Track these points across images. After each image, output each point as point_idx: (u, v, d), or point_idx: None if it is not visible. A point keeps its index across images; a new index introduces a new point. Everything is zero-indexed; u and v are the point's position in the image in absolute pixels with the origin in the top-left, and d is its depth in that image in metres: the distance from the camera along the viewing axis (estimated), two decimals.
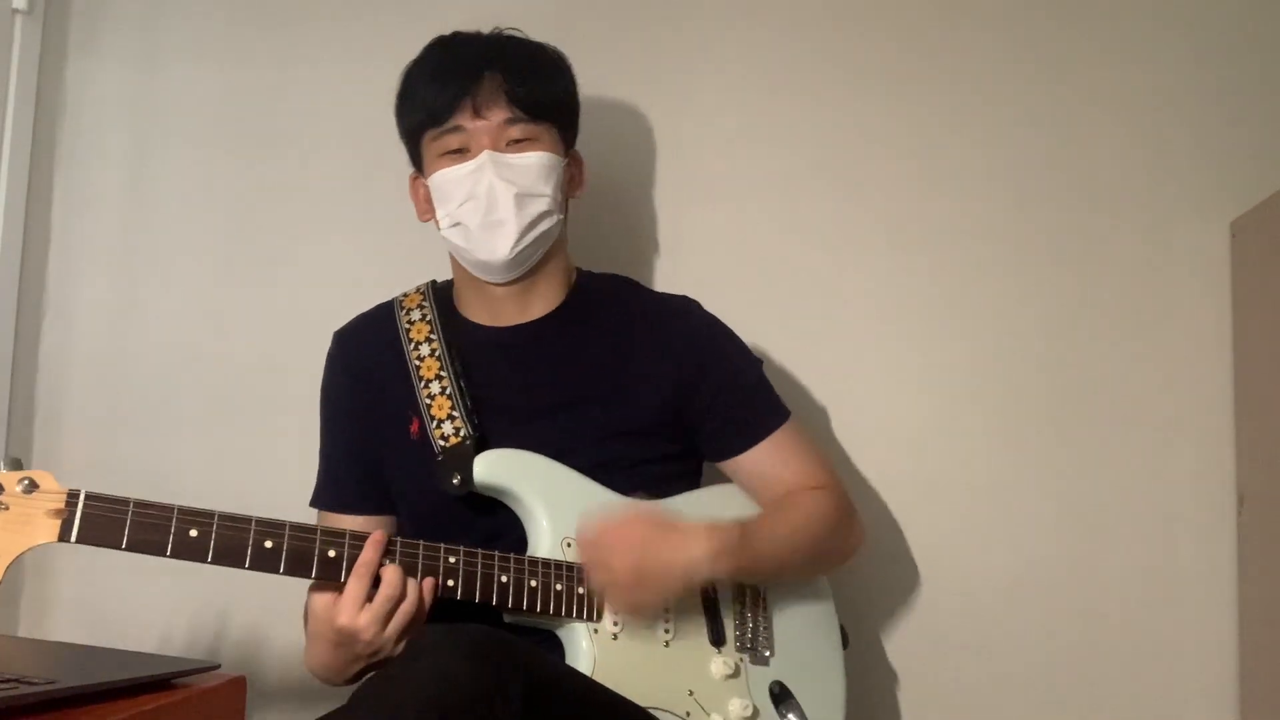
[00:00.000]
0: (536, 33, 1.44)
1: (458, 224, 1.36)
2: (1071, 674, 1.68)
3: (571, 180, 1.44)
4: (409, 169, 1.75)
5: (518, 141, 1.35)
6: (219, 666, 1.16)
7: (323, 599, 1.20)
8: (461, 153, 1.35)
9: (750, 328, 1.49)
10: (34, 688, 0.96)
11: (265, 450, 1.70)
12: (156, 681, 1.08)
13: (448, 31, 1.77)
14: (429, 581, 1.21)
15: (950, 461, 1.72)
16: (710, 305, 1.50)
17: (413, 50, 1.77)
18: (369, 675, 1.29)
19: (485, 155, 1.33)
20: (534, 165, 1.34)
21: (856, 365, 1.73)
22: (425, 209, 1.43)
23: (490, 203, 1.33)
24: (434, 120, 1.36)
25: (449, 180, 1.35)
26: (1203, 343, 1.71)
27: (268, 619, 1.68)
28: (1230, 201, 1.71)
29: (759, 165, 1.76)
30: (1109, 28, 1.77)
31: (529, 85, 1.35)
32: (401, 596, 1.19)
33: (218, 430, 1.72)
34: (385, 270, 1.60)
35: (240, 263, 1.76)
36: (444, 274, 1.48)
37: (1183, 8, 1.77)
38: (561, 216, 1.39)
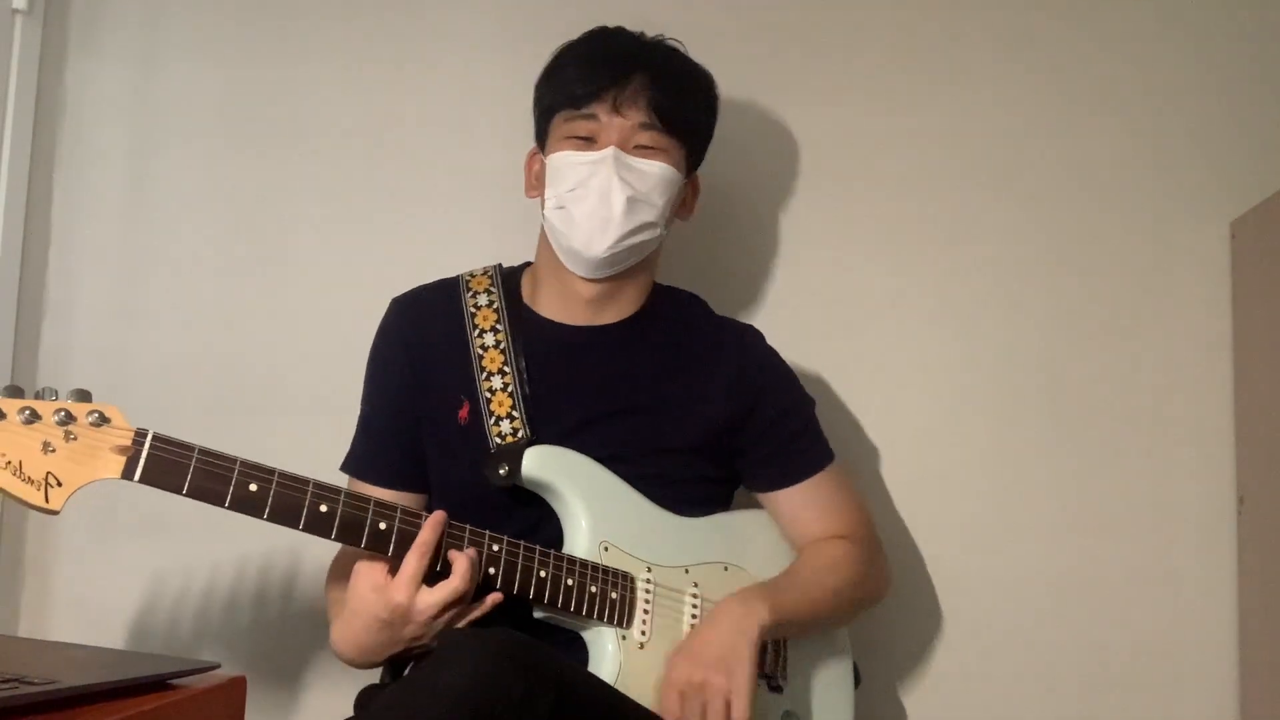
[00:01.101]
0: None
1: (563, 208, 1.35)
2: (1071, 674, 1.69)
3: (684, 203, 1.44)
4: (408, 168, 1.76)
5: (645, 148, 1.35)
6: (219, 666, 1.16)
7: (371, 578, 1.19)
8: (588, 141, 1.35)
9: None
10: (34, 688, 0.95)
11: (267, 450, 1.69)
12: (156, 681, 1.08)
13: (451, 30, 1.78)
14: (465, 561, 1.20)
15: (949, 462, 1.72)
16: (712, 304, 1.50)
17: (413, 49, 1.78)
18: (397, 681, 1.29)
19: (611, 151, 1.33)
20: (655, 174, 1.35)
21: (854, 366, 1.73)
22: (534, 186, 1.42)
23: (601, 197, 1.32)
24: (572, 103, 1.35)
25: (568, 164, 1.35)
26: (1203, 343, 1.71)
27: (268, 619, 1.68)
28: (1230, 201, 1.71)
29: (758, 166, 1.76)
30: (1109, 28, 1.77)
31: (673, 97, 1.35)
32: (469, 593, 1.19)
33: (219, 430, 1.70)
34: (386, 269, 1.59)
35: (241, 262, 1.76)
36: (444, 271, 1.47)
37: (1183, 8, 1.77)
38: (664, 232, 1.39)
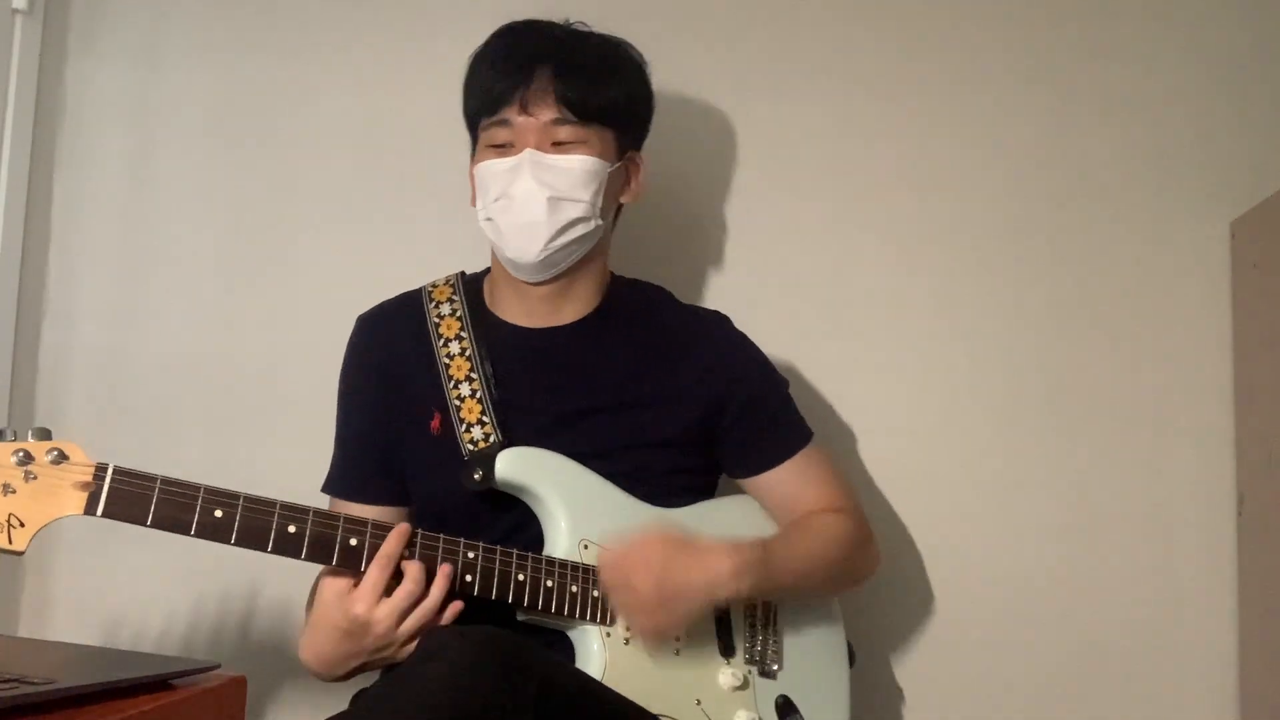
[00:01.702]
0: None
1: (490, 219, 1.35)
2: (1071, 674, 1.68)
3: (625, 186, 1.42)
4: (408, 169, 1.76)
5: (563, 144, 1.33)
6: (219, 666, 1.16)
7: (335, 586, 1.19)
8: (507, 148, 1.34)
9: (750, 328, 1.49)
10: (34, 688, 0.96)
11: (266, 450, 1.70)
12: (156, 681, 1.08)
13: (450, 30, 1.78)
14: (444, 580, 1.20)
15: (949, 462, 1.72)
16: (711, 304, 1.50)
17: (414, 48, 1.78)
18: (380, 679, 1.29)
19: (526, 154, 1.32)
20: (574, 169, 1.33)
21: (855, 365, 1.73)
22: (475, 197, 1.41)
23: (523, 203, 1.32)
24: (485, 110, 1.35)
25: (489, 173, 1.34)
26: (1203, 343, 1.71)
27: (268, 619, 1.68)
28: (1230, 201, 1.71)
29: (758, 166, 1.76)
30: (1109, 28, 1.77)
31: (581, 86, 1.33)
32: (423, 595, 1.19)
33: (218, 430, 1.72)
34: (386, 269, 1.59)
35: (240, 262, 1.76)
36: (445, 271, 1.47)
37: (1183, 8, 1.77)
38: (601, 223, 1.37)
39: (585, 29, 1.42)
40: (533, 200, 1.31)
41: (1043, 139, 1.76)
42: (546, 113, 1.32)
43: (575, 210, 1.33)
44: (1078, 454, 1.71)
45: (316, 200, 1.76)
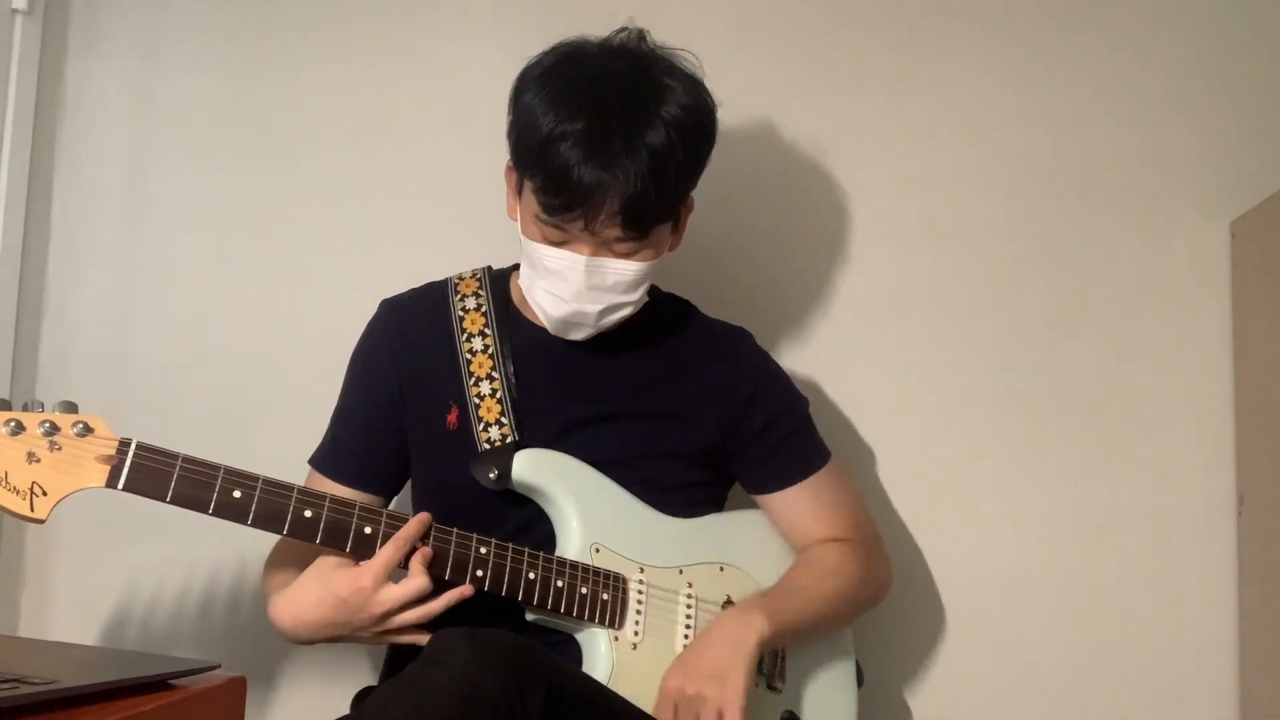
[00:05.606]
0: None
1: (534, 296, 1.31)
2: (1071, 674, 1.69)
3: (673, 243, 1.36)
4: (408, 168, 1.76)
5: (623, 254, 1.27)
6: (219, 666, 1.16)
7: (338, 554, 1.20)
8: (561, 243, 1.26)
9: (749, 328, 1.49)
10: (34, 688, 0.95)
11: (265, 450, 1.69)
12: (156, 681, 1.08)
13: (450, 30, 1.77)
14: (455, 596, 1.21)
15: (949, 462, 1.72)
16: (710, 305, 1.50)
17: (415, 48, 1.78)
18: (388, 682, 1.28)
19: (583, 262, 1.26)
20: (630, 274, 1.28)
21: (855, 365, 1.73)
22: (513, 206, 1.34)
23: (573, 307, 1.28)
24: (540, 199, 1.24)
25: (540, 254, 1.28)
26: (1203, 343, 1.71)
27: (268, 619, 1.67)
28: (1230, 201, 1.71)
29: (759, 165, 1.76)
30: (1110, 28, 1.77)
31: (650, 213, 1.25)
32: (426, 598, 1.19)
33: (218, 430, 1.71)
34: (385, 269, 1.59)
35: (240, 263, 1.76)
36: (444, 271, 1.47)
37: (1184, 8, 1.77)
38: (645, 297, 1.34)
39: (678, 117, 1.26)
40: (583, 306, 1.28)
41: (1043, 139, 1.76)
42: (611, 232, 1.25)
43: (622, 312, 1.32)
44: (1078, 454, 1.71)
45: (316, 199, 1.76)
